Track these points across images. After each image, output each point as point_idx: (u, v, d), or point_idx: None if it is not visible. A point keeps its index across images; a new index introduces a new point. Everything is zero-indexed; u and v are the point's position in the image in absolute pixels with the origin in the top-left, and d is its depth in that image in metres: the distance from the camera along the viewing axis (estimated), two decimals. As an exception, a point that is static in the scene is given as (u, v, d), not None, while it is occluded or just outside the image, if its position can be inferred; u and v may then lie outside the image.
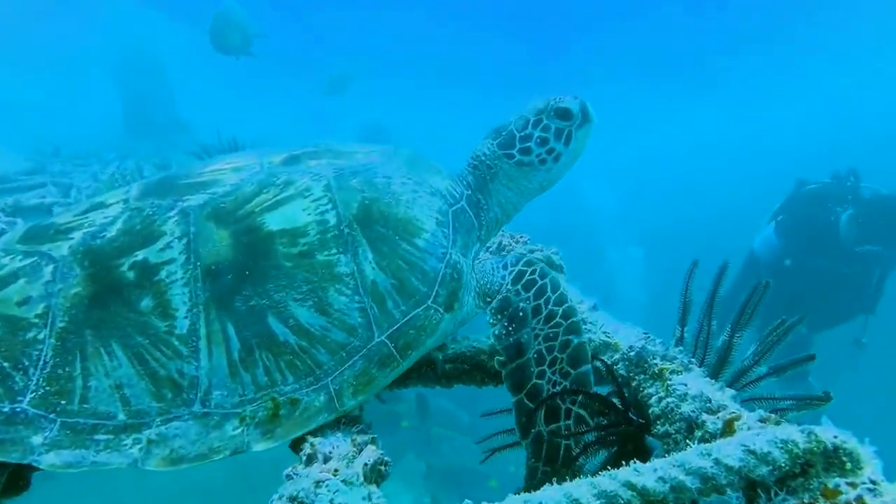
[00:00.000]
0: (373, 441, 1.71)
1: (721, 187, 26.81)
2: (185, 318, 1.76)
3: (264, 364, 1.77)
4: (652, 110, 32.52)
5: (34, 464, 1.62)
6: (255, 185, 1.96)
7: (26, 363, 1.69)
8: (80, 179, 7.64)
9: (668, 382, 1.84)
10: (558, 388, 1.98)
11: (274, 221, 1.89)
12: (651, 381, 1.92)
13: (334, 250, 1.89)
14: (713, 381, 1.86)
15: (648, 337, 2.14)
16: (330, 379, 1.80)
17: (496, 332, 2.09)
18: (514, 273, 2.17)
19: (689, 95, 31.90)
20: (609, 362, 2.10)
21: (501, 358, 2.07)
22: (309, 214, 1.92)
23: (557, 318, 2.06)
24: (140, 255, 1.81)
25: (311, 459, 1.64)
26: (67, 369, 1.70)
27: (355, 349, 1.84)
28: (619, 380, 2.02)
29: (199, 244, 1.83)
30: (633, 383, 2.00)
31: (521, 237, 3.41)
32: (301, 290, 1.82)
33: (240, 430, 1.72)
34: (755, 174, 24.33)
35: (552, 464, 1.92)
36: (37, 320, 1.73)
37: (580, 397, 1.97)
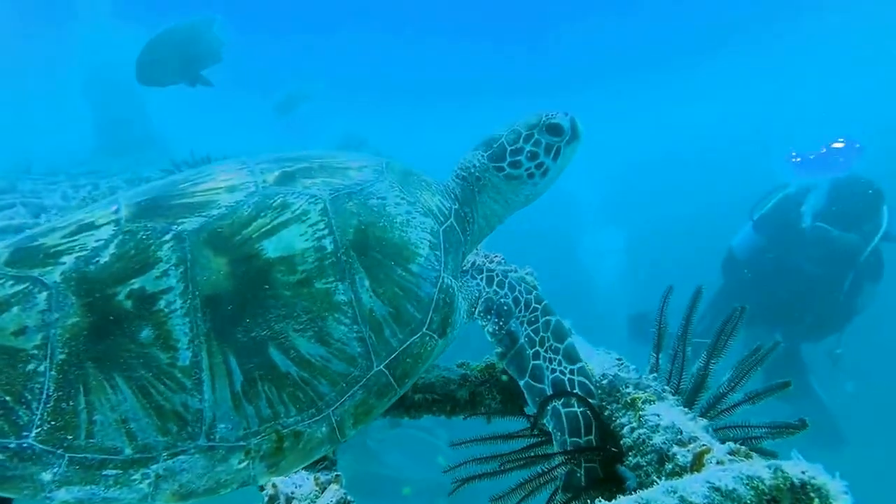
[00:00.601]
0: (336, 479, 1.66)
1: (704, 184, 27.04)
2: (187, 349, 1.72)
3: (267, 396, 1.75)
4: (634, 106, 32.76)
5: (47, 501, 1.58)
6: (252, 208, 1.89)
7: (29, 397, 1.63)
8: (50, 200, 7.52)
9: (641, 412, 1.80)
10: (555, 364, 2.09)
11: (272, 248, 1.83)
12: (624, 411, 1.88)
13: (332, 278, 1.85)
14: (687, 409, 1.83)
15: (622, 363, 2.11)
16: (331, 410, 1.79)
17: (490, 329, 2.15)
18: (485, 278, 2.24)
19: (672, 89, 32.19)
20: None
21: (500, 349, 2.12)
22: (307, 240, 1.87)
23: (533, 305, 2.18)
24: (137, 284, 1.74)
25: (272, 501, 1.59)
26: (71, 403, 1.64)
27: (355, 379, 1.83)
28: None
29: (197, 272, 1.77)
30: (606, 412, 1.96)
31: (494, 256, 3.38)
32: (301, 319, 1.79)
33: (245, 464, 1.70)
34: (737, 169, 24.56)
35: (577, 434, 1.95)
36: (36, 352, 1.66)
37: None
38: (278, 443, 1.73)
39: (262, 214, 1.88)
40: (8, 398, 1.62)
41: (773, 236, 8.28)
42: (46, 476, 1.59)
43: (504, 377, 2.22)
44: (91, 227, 1.86)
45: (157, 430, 1.67)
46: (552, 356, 2.10)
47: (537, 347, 2.11)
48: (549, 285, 3.02)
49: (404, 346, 1.90)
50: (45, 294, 1.72)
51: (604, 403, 1.99)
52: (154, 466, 1.65)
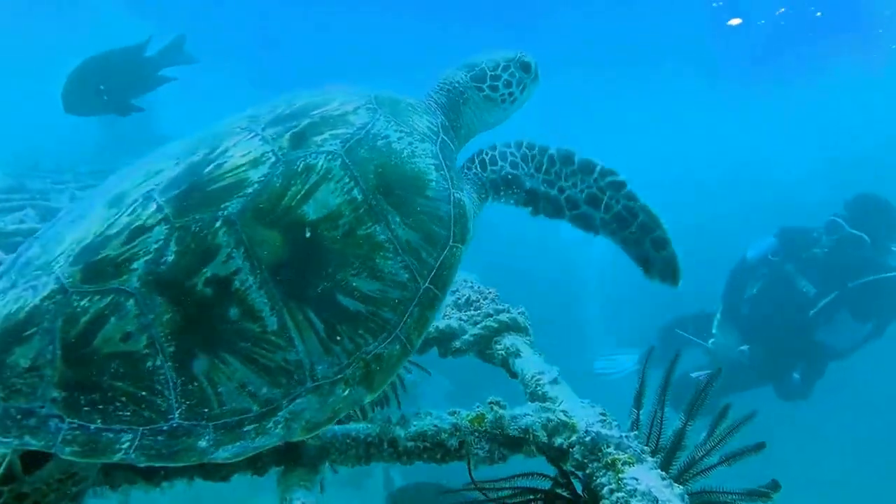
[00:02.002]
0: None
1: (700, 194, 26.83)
2: (272, 315, 1.95)
3: (347, 334, 2.01)
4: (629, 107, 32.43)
5: (212, 461, 1.84)
6: (281, 179, 2.07)
7: (159, 388, 1.85)
8: (58, 202, 7.59)
9: (621, 475, 1.89)
10: (579, 183, 2.49)
11: (311, 211, 2.05)
12: (604, 471, 1.96)
13: (370, 223, 2.10)
14: (664, 474, 1.91)
15: (605, 419, 2.19)
16: (398, 330, 2.07)
17: (512, 202, 2.54)
18: (479, 163, 2.61)
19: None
20: (566, 444, 2.15)
21: (531, 209, 2.56)
22: (338, 196, 2.09)
23: (529, 155, 2.55)
24: (208, 272, 1.92)
25: None
26: (195, 383, 1.87)
27: (409, 300, 2.10)
28: (574, 464, 2.08)
29: (256, 249, 1.97)
30: (587, 470, 2.05)
31: (489, 292, 3.46)
32: (355, 265, 2.05)
33: (348, 391, 1.99)
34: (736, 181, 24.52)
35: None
36: (148, 350, 1.85)
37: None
38: (366, 367, 2.02)
39: (293, 182, 2.07)
40: (144, 393, 1.84)
41: (789, 238, 8.04)
42: (202, 443, 1.84)
43: (495, 431, 2.30)
44: (143, 230, 1.97)
45: (272, 385, 1.93)
46: (574, 180, 2.47)
47: (560, 182, 2.48)
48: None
49: (439, 261, 2.19)
50: (131, 301, 1.88)
51: (585, 461, 2.08)
52: (280, 413, 1.92)
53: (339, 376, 1.99)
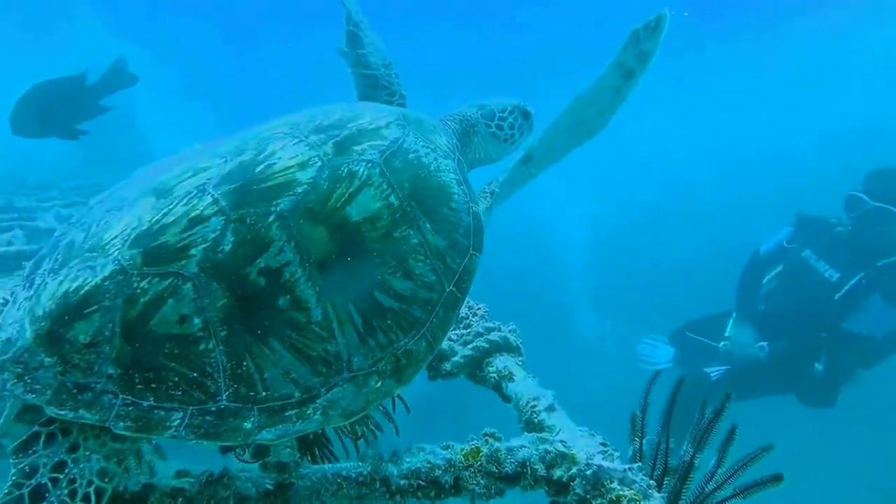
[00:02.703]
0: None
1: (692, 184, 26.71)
2: (317, 307, 2.08)
3: (381, 329, 2.16)
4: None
5: (255, 442, 1.99)
6: (327, 182, 2.23)
7: (210, 370, 1.95)
8: (44, 222, 7.72)
9: (626, 513, 1.79)
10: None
11: (355, 212, 2.21)
12: (608, 509, 1.87)
13: (404, 227, 2.27)
14: (671, 510, 1.82)
15: (606, 449, 2.10)
16: (425, 328, 2.23)
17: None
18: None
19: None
20: (566, 477, 2.06)
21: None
22: (378, 201, 2.26)
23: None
24: (262, 263, 2.05)
25: None
26: (244, 368, 1.98)
27: (436, 301, 2.27)
28: (576, 499, 1.98)
29: (305, 243, 2.11)
30: (590, 508, 1.95)
31: (478, 307, 3.37)
32: (391, 264, 2.21)
33: (380, 383, 2.13)
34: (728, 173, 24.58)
35: None
36: (202, 333, 1.96)
37: None
38: (397, 362, 2.17)
39: (338, 186, 2.23)
40: (195, 374, 1.94)
41: (805, 224, 7.58)
42: (247, 425, 1.96)
43: (491, 466, 2.20)
44: (200, 219, 2.07)
45: (313, 374, 2.05)
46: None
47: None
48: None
49: (461, 267, 2.37)
50: (189, 285, 1.98)
51: (588, 496, 1.98)
52: (319, 401, 2.05)
53: (372, 369, 2.13)
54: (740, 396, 7.24)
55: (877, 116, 24.06)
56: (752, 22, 28.33)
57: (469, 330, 3.19)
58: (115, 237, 2.06)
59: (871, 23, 26.40)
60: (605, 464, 2.01)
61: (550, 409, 2.49)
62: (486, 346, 3.02)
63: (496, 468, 2.17)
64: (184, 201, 2.11)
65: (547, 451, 2.16)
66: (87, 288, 1.96)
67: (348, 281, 2.15)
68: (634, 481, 1.92)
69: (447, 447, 2.26)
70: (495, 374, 2.91)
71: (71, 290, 1.97)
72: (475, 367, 3.04)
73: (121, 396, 1.90)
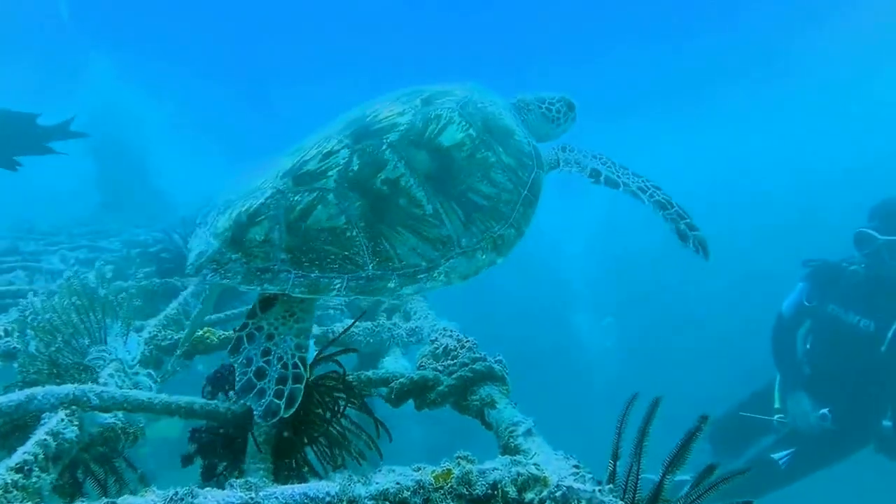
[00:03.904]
0: None
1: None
2: (428, 204, 2.71)
3: (479, 220, 2.80)
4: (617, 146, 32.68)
5: (398, 296, 2.91)
6: (421, 121, 2.91)
7: (356, 249, 2.58)
8: (49, 263, 7.77)
9: (591, 533, 1.74)
10: (635, 179, 3.36)
11: (445, 140, 2.88)
12: (575, 529, 1.82)
13: (483, 150, 2.93)
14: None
15: (579, 472, 2.05)
16: (511, 220, 2.88)
17: (575, 171, 3.40)
18: (560, 148, 3.48)
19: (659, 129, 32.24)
20: (537, 500, 2.01)
21: (591, 179, 3.37)
22: (461, 133, 2.93)
23: (600, 158, 3.46)
24: (383, 175, 2.71)
25: None
26: (381, 247, 2.61)
27: (516, 201, 2.92)
28: (547, 521, 1.93)
29: (412, 162, 2.76)
30: (558, 529, 1.90)
31: (467, 341, 3.37)
32: (477, 175, 2.86)
33: (485, 256, 2.77)
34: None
35: None
36: (346, 226, 2.59)
37: None
38: (494, 242, 2.81)
39: (430, 123, 2.92)
40: (346, 253, 2.57)
41: (817, 277, 7.32)
42: (391, 284, 2.59)
43: (461, 488, 2.15)
44: (332, 153, 2.78)
45: (433, 250, 2.68)
46: (630, 177, 3.33)
47: (619, 173, 3.33)
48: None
49: (530, 179, 3.03)
50: (331, 194, 2.65)
51: (556, 517, 1.93)
52: (440, 268, 2.67)
53: (477, 246, 2.76)
54: (814, 469, 7.05)
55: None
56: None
57: (455, 361, 3.18)
58: (266, 179, 2.76)
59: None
60: (576, 485, 1.96)
61: (528, 433, 2.45)
62: (471, 375, 3.01)
63: (466, 490, 2.11)
64: (316, 147, 2.82)
65: (519, 474, 2.10)
66: (254, 207, 2.64)
67: (448, 187, 2.78)
68: (602, 501, 1.87)
69: (418, 469, 2.21)
70: (478, 402, 2.89)
71: (242, 211, 2.65)
72: (460, 397, 3.01)
73: (293, 272, 2.52)
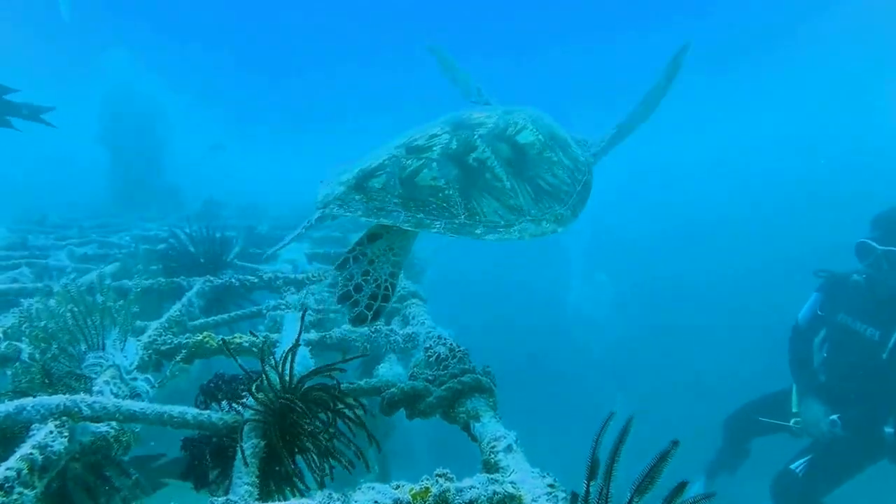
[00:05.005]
0: None
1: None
2: (507, 181, 3.23)
3: (545, 199, 3.34)
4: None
5: (481, 240, 3.07)
6: (504, 123, 3.50)
7: (452, 203, 3.07)
8: (56, 259, 7.64)
9: (559, 555, 1.77)
10: None
11: (521, 139, 3.46)
12: (544, 550, 1.85)
13: (549, 151, 3.52)
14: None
15: (553, 491, 2.08)
16: (569, 205, 3.43)
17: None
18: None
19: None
20: (511, 519, 2.04)
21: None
22: (532, 135, 3.51)
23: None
24: (474, 155, 3.25)
25: None
26: (471, 204, 3.09)
27: (572, 192, 3.50)
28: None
29: (496, 150, 3.31)
30: (529, 548, 1.93)
31: (459, 350, 3.41)
32: (545, 167, 3.44)
33: (549, 224, 3.28)
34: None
35: None
36: (445, 185, 3.11)
37: None
38: (556, 217, 3.33)
39: (510, 126, 3.50)
40: (445, 205, 3.07)
41: (829, 287, 7.36)
42: (478, 230, 3.06)
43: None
44: (436, 136, 3.34)
45: (510, 213, 3.17)
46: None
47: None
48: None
49: (584, 177, 3.68)
50: (434, 163, 3.17)
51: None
52: (514, 227, 3.15)
53: (542, 217, 3.27)
54: (835, 478, 6.97)
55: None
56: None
57: (446, 371, 3.21)
58: (381, 152, 3.30)
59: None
60: (548, 505, 1.99)
61: (508, 449, 2.47)
62: (459, 387, 3.04)
63: (444, 509, 2.15)
64: (422, 132, 3.39)
65: (495, 493, 2.13)
66: (374, 165, 3.19)
67: (522, 172, 3.32)
68: (573, 524, 1.90)
69: (397, 487, 2.24)
70: (465, 414, 2.92)
71: (364, 167, 3.20)
72: (447, 408, 3.04)
73: (403, 212, 3.03)
